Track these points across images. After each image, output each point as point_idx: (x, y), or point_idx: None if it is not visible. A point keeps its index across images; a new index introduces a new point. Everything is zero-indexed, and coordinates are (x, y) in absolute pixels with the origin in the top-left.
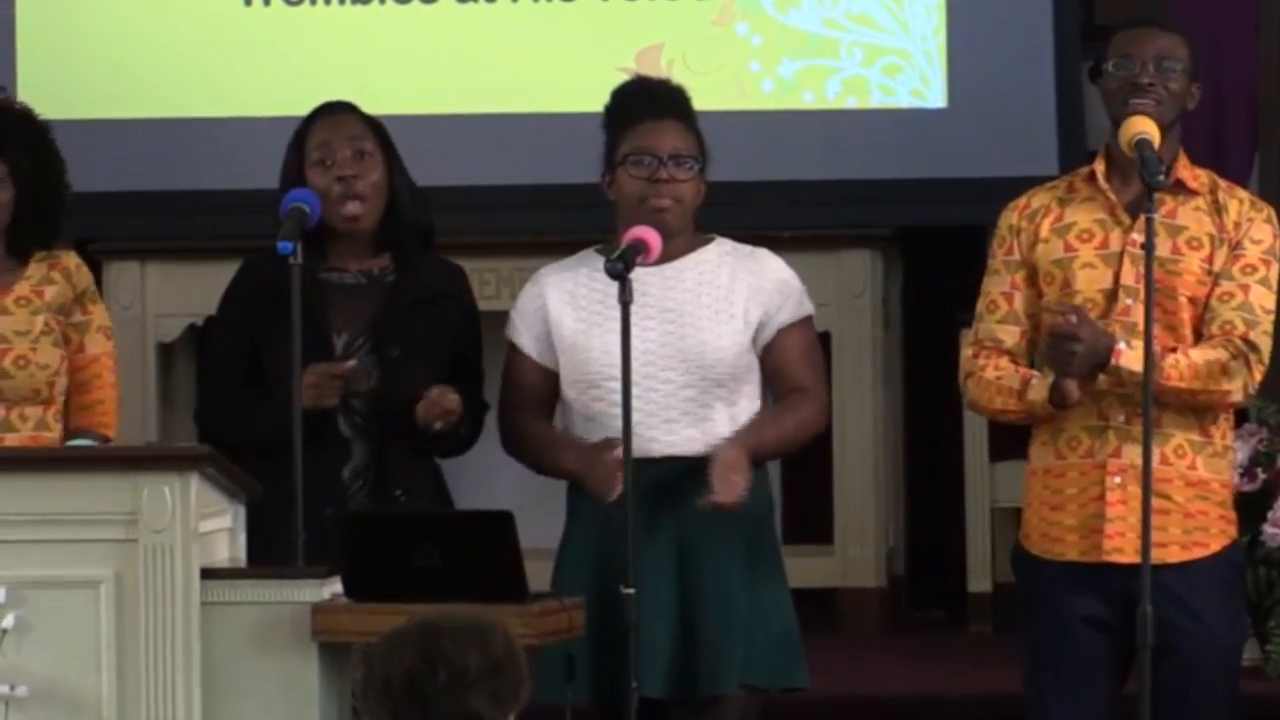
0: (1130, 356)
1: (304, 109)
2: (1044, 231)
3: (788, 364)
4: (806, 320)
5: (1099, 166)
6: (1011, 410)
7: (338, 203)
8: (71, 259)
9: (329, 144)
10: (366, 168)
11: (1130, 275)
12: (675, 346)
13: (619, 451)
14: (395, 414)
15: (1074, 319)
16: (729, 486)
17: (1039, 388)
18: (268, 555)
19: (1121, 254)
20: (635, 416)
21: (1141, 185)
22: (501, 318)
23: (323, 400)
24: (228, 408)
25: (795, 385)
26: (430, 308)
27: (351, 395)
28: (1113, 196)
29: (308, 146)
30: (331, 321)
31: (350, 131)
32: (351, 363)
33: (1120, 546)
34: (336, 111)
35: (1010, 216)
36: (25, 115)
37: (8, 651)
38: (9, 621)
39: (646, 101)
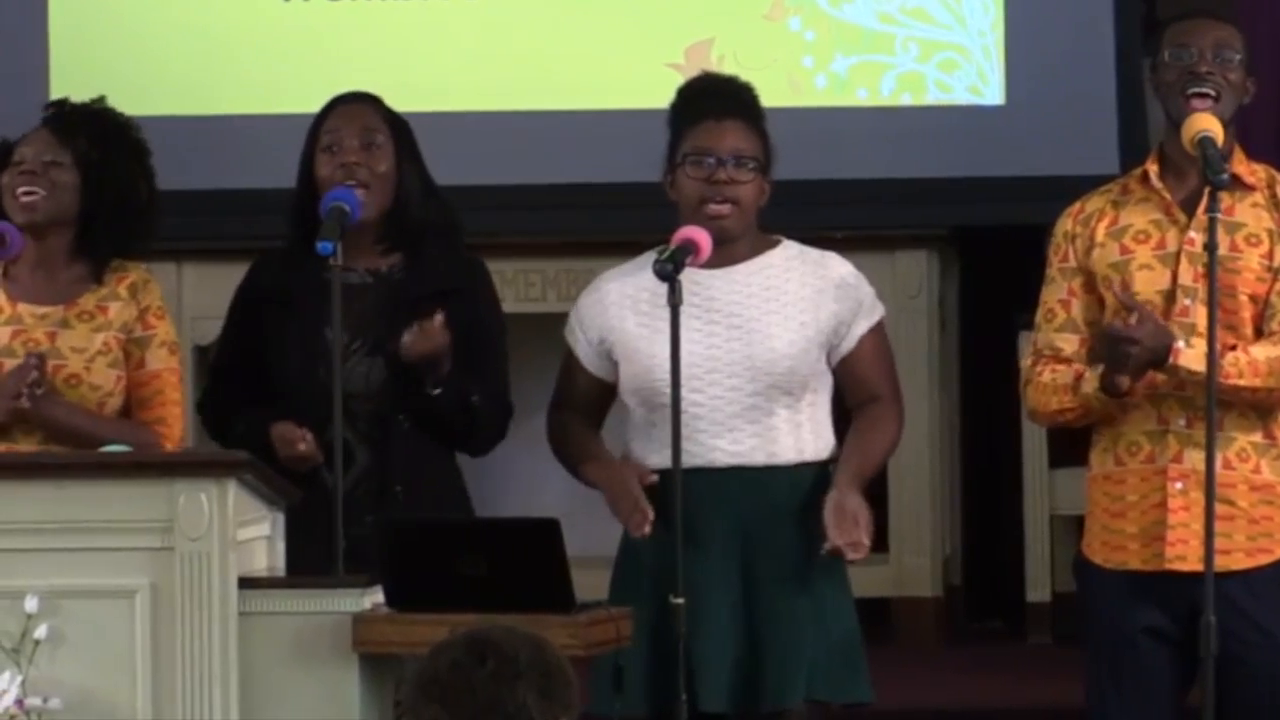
0: (1189, 355)
1: None
2: (1099, 235)
3: (865, 373)
4: (879, 325)
5: (1152, 166)
6: (1068, 408)
7: (338, 187)
8: (140, 273)
9: (338, 131)
10: (374, 158)
11: (1188, 275)
12: (741, 353)
13: (650, 478)
14: (397, 415)
15: (1133, 319)
16: (856, 544)
17: (1091, 380)
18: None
19: (1179, 254)
20: (698, 424)
21: (1197, 182)
22: (546, 320)
23: (302, 466)
24: (221, 427)
25: (873, 394)
26: (436, 305)
27: (352, 398)
28: (1167, 196)
29: (319, 134)
30: (316, 320)
31: (362, 122)
32: (303, 446)
33: (1183, 554)
34: (352, 101)
35: (1065, 223)
36: (101, 112)
37: (40, 663)
38: (42, 632)
39: (709, 100)
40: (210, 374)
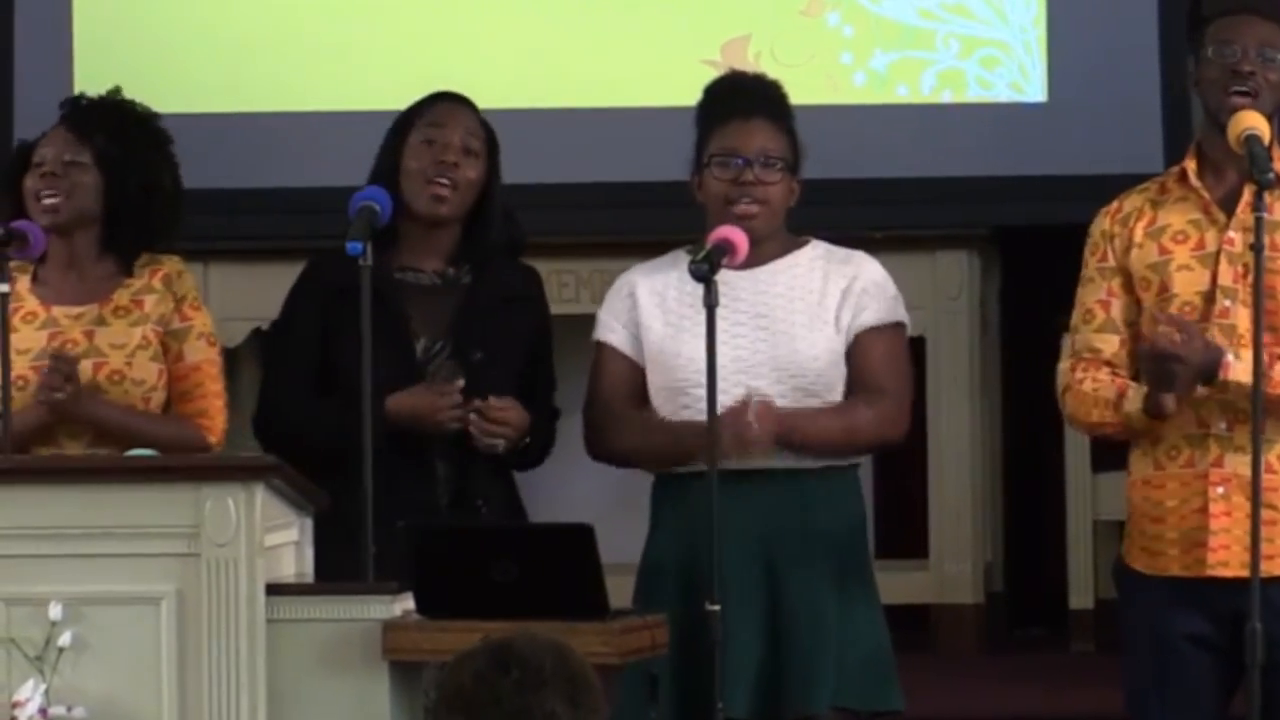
0: (1239, 369)
1: (374, 103)
2: (1138, 235)
3: (866, 366)
4: (895, 326)
5: (1190, 164)
6: (1109, 423)
7: (429, 181)
8: (174, 264)
9: (442, 128)
10: (468, 164)
11: (1228, 276)
12: (767, 354)
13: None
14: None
15: (1178, 337)
16: (742, 426)
17: (1134, 399)
18: (352, 572)
19: (1218, 254)
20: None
21: (1237, 180)
22: (579, 321)
23: (449, 427)
24: (303, 415)
25: (871, 388)
26: (507, 310)
27: None
28: (1206, 195)
29: (418, 124)
30: (410, 323)
31: (466, 124)
32: (460, 382)
33: (1225, 560)
34: (457, 101)
35: (1102, 222)
36: (119, 105)
37: (64, 670)
38: (66, 639)
39: (736, 99)
40: (268, 388)
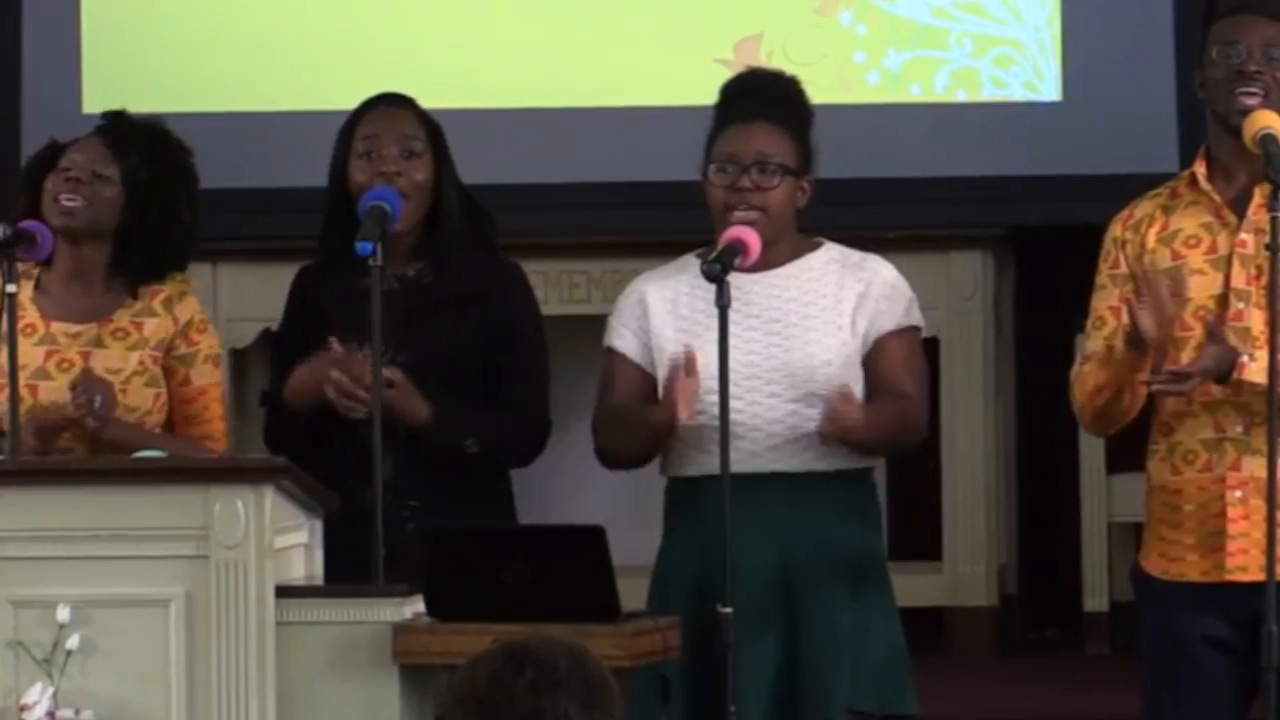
0: (1254, 369)
1: None
2: (1150, 242)
3: (888, 370)
4: (913, 330)
5: (1199, 168)
6: (1103, 384)
7: None
8: (176, 286)
9: (377, 138)
10: (412, 167)
11: (1241, 278)
12: (780, 359)
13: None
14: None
15: (1166, 283)
16: (839, 413)
17: (1119, 344)
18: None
19: (1230, 257)
20: (736, 431)
21: (1247, 181)
22: (591, 322)
23: (350, 405)
24: (279, 432)
25: (892, 392)
26: (459, 311)
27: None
28: (1217, 198)
29: (355, 138)
30: (350, 332)
31: (401, 129)
32: (366, 351)
33: (1244, 564)
34: (390, 104)
35: (1114, 229)
36: (156, 131)
37: (73, 674)
38: (74, 642)
39: (741, 102)
40: (269, 405)
